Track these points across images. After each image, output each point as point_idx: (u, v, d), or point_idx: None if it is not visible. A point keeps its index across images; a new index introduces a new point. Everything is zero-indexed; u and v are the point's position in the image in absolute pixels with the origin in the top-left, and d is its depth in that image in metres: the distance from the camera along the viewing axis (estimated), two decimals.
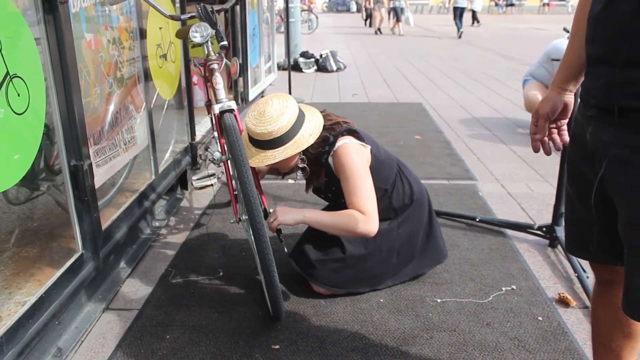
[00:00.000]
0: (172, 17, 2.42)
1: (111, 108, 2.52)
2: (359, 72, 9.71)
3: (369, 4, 22.52)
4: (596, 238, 1.39)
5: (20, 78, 1.74)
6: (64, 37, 1.98)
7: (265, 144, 2.09)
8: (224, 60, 2.53)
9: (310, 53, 10.00)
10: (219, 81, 2.33)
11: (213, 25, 2.35)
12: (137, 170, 3.05)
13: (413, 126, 5.61)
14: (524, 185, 3.95)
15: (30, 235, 2.52)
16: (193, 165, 3.70)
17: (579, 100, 1.38)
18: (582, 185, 1.37)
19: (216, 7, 2.41)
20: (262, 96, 6.91)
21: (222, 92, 2.31)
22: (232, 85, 5.64)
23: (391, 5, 19.31)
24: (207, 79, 2.57)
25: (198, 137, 3.87)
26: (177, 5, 3.34)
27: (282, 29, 10.32)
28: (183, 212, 3.48)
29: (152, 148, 3.03)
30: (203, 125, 4.26)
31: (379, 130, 5.43)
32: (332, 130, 2.21)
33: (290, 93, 7.05)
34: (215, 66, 2.36)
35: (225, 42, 2.37)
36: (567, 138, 1.53)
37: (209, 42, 2.34)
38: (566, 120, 1.54)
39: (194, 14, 2.39)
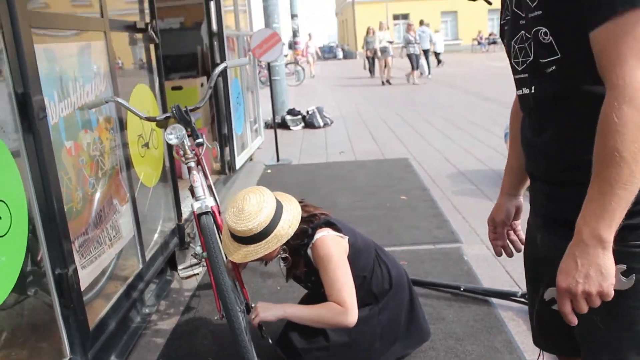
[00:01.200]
0: (147, 119, 2.52)
1: (95, 207, 2.58)
2: (346, 126, 9.85)
3: (370, 52, 20.74)
4: (557, 334, 1.45)
5: (2, 201, 1.80)
6: (44, 150, 2.06)
7: (247, 239, 2.15)
8: (205, 144, 2.61)
9: (297, 110, 10.16)
10: (197, 179, 2.40)
11: (187, 124, 2.44)
12: (124, 258, 3.10)
13: (399, 185, 5.69)
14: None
15: (18, 338, 2.54)
16: (181, 246, 3.76)
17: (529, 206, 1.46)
18: (537, 286, 1.43)
19: (190, 107, 2.50)
20: (251, 160, 7.02)
21: (199, 190, 2.39)
22: (218, 156, 5.75)
23: (408, 52, 17.47)
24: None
25: (186, 214, 3.93)
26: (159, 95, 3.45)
27: (274, 75, 10.49)
28: (173, 295, 3.51)
29: (138, 237, 3.08)
30: (190, 201, 4.33)
31: (366, 191, 5.50)
32: (311, 223, 2.28)
33: (277, 154, 7.17)
34: (192, 164, 2.44)
35: (200, 140, 2.46)
36: (523, 236, 1.61)
37: (185, 142, 2.42)
38: (519, 221, 1.63)
39: (169, 115, 2.48)
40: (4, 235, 1.80)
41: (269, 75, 8.33)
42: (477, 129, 8.73)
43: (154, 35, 3.27)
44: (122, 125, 2.94)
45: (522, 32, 1.32)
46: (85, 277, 2.42)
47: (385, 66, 18.19)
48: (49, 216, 2.10)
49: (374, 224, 4.58)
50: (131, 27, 3.15)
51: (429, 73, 19.13)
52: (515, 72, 1.39)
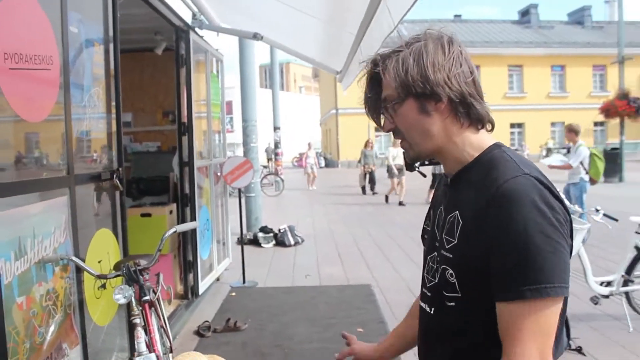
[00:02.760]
0: (99, 277, 2.72)
1: (41, 356, 2.70)
2: (316, 246, 10.07)
3: (367, 168, 19.40)
4: None
5: None
6: None
7: None
8: (160, 286, 2.79)
9: (269, 228, 10.40)
10: (140, 335, 2.57)
11: (136, 282, 2.64)
12: None
13: (358, 315, 5.83)
14: None
15: None
16: None
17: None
18: None
19: (140, 267, 2.71)
20: (218, 280, 7.15)
21: (142, 346, 2.55)
22: (183, 278, 5.89)
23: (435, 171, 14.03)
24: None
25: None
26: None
27: (249, 192, 10.77)
28: None
29: None
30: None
31: (324, 322, 5.62)
32: None
33: (244, 276, 7.31)
34: (137, 321, 2.62)
35: (147, 297, 2.65)
36: None
37: (132, 301, 2.61)
38: None
39: (118, 273, 2.69)
40: None
41: (239, 192, 8.57)
42: None
43: (119, 183, 3.53)
44: (79, 271, 3.11)
45: (435, 254, 1.46)
46: None
47: (398, 185, 16.55)
48: None
49: (327, 358, 4.67)
50: (96, 178, 3.41)
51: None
52: (423, 284, 1.53)
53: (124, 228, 3.73)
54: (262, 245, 10.03)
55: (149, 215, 5.67)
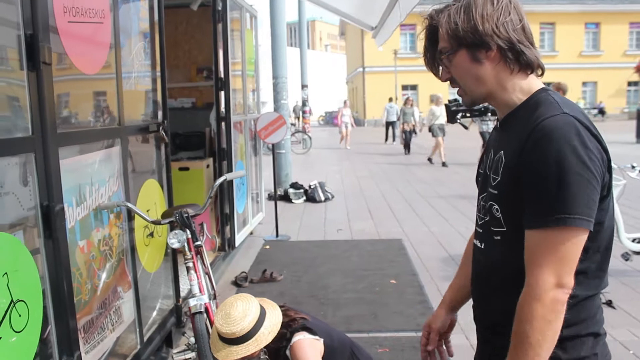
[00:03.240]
0: (154, 222, 2.86)
1: (101, 296, 2.88)
2: (346, 202, 10.19)
3: (408, 126, 18.84)
4: None
5: (23, 301, 2.11)
6: (61, 254, 2.38)
7: (231, 341, 2.45)
8: (205, 236, 2.94)
9: (299, 184, 10.53)
10: (193, 278, 2.72)
11: (189, 228, 2.78)
12: (124, 337, 3.36)
13: (390, 268, 5.96)
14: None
15: None
16: (178, 325, 4.03)
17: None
18: None
19: (191, 213, 2.85)
20: (252, 234, 7.33)
21: (196, 288, 2.70)
22: (220, 230, 6.06)
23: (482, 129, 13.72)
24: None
25: (184, 292, 4.22)
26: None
27: (279, 148, 10.88)
28: None
29: (137, 321, 3.36)
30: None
31: (358, 274, 5.77)
32: (289, 327, 2.58)
33: (277, 230, 7.48)
34: (190, 264, 2.76)
35: (199, 242, 2.79)
36: (452, 350, 1.89)
37: (185, 245, 2.75)
38: (450, 333, 1.90)
39: (172, 219, 2.82)
40: (20, 331, 2.10)
41: (272, 148, 8.68)
42: (473, 210, 9.04)
43: (165, 135, 3.66)
44: (130, 219, 3.27)
45: (486, 194, 1.59)
46: None
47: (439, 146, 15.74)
48: (60, 310, 2.40)
49: (362, 307, 4.84)
50: (144, 129, 3.53)
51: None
52: (476, 223, 1.67)
53: (169, 179, 3.88)
54: (293, 201, 10.18)
55: (187, 169, 5.82)
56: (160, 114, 3.78)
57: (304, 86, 22.75)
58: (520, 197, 1.42)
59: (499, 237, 1.52)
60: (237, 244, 6.16)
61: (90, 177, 2.77)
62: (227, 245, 6.02)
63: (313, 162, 17.77)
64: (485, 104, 2.99)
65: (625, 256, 5.45)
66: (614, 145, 18.74)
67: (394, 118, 22.85)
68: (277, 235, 7.46)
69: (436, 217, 8.71)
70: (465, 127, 2.84)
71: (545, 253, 1.36)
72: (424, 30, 1.60)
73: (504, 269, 1.53)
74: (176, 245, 2.72)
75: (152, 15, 3.68)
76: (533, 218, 1.39)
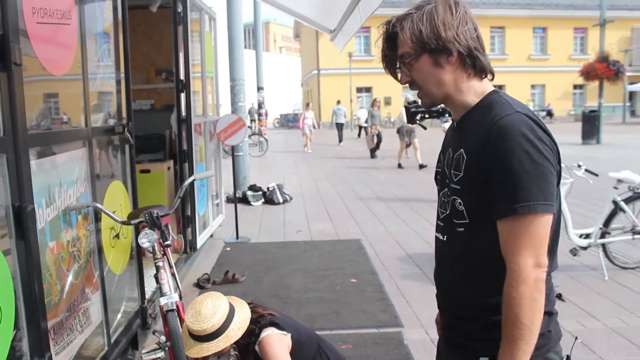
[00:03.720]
0: (123, 223, 2.88)
1: (70, 298, 2.88)
2: (305, 204, 10.27)
3: (375, 130, 18.17)
4: None
5: None
6: (32, 255, 2.39)
7: (201, 338, 2.51)
8: (171, 235, 2.97)
9: (257, 186, 10.56)
10: (164, 277, 2.76)
11: (158, 228, 2.81)
12: (92, 339, 3.36)
13: (350, 268, 6.07)
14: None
15: None
16: (143, 327, 4.03)
17: None
18: None
19: (161, 213, 2.88)
20: (212, 237, 7.33)
21: (166, 287, 2.74)
22: (182, 232, 6.06)
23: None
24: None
25: (148, 294, 4.22)
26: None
27: (237, 151, 10.83)
28: None
29: (105, 323, 3.36)
30: (152, 280, 4.62)
31: (318, 274, 5.86)
32: (258, 323, 2.65)
33: (237, 232, 7.50)
34: (160, 264, 2.80)
35: (168, 242, 2.83)
36: None
37: (155, 245, 2.78)
38: None
39: (142, 220, 2.85)
40: None
41: (232, 151, 8.69)
42: (430, 211, 9.25)
43: (129, 137, 3.66)
44: (97, 221, 3.28)
45: (447, 189, 1.70)
46: None
47: (409, 147, 15.73)
48: (32, 311, 2.40)
49: (325, 306, 4.93)
50: (110, 131, 3.54)
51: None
52: (437, 217, 1.77)
53: (134, 180, 3.89)
54: (252, 203, 10.20)
55: (148, 171, 5.80)
56: (125, 115, 3.78)
57: (259, 88, 22.76)
58: (482, 191, 1.54)
59: (461, 229, 1.63)
60: (198, 246, 6.17)
61: (59, 178, 2.77)
62: (188, 248, 6.02)
63: (270, 165, 17.79)
64: (443, 106, 3.14)
65: (574, 252, 5.71)
66: (561, 146, 19.43)
67: (342, 120, 24.70)
68: (237, 237, 7.49)
69: (393, 217, 8.87)
70: (424, 128, 2.95)
71: (520, 238, 1.48)
72: (381, 37, 1.70)
73: (467, 258, 1.64)
74: (146, 245, 2.75)
75: (115, 15, 3.69)
76: (503, 208, 1.50)
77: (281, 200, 10.29)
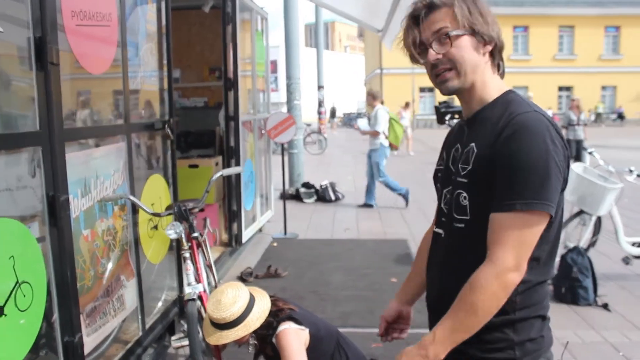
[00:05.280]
0: (153, 214, 3.02)
1: (103, 283, 3.06)
2: (356, 203, 10.31)
3: None
4: None
5: (27, 283, 2.29)
6: (65, 241, 2.55)
7: (221, 326, 2.61)
8: (207, 229, 3.10)
9: (311, 184, 10.69)
10: (190, 267, 2.88)
11: (186, 221, 2.94)
12: (127, 324, 3.54)
13: (392, 267, 6.08)
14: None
15: None
16: (181, 315, 4.19)
17: None
18: None
19: (190, 206, 3.01)
20: (260, 231, 7.49)
21: (191, 277, 2.86)
22: (228, 226, 6.23)
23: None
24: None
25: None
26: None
27: (292, 148, 11.00)
28: None
29: (140, 308, 3.53)
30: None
31: (359, 272, 5.90)
32: (277, 316, 2.73)
33: (285, 228, 7.63)
34: (187, 255, 2.93)
35: (196, 234, 2.96)
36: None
37: (182, 236, 2.91)
38: (407, 329, 2.03)
39: (171, 212, 2.99)
40: (25, 310, 2.27)
41: (282, 148, 8.81)
42: None
43: (170, 133, 3.83)
44: (135, 212, 3.45)
45: (451, 185, 1.71)
46: (90, 343, 2.87)
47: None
48: (63, 294, 2.57)
49: (360, 304, 4.97)
50: (150, 127, 3.71)
51: None
52: (440, 213, 1.78)
53: (174, 174, 4.05)
54: (304, 200, 10.33)
55: (196, 166, 6.00)
56: (167, 112, 3.95)
57: (320, 87, 22.91)
58: (489, 185, 1.54)
59: (461, 225, 1.64)
60: (244, 240, 6.32)
61: (95, 171, 2.94)
62: (234, 242, 6.19)
63: (327, 163, 17.90)
64: None
65: (626, 260, 5.52)
66: (633, 151, 18.60)
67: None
68: (285, 233, 7.62)
69: None
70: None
71: (510, 233, 1.49)
72: (423, 8, 1.61)
73: (464, 256, 1.64)
74: (173, 236, 2.89)
75: (159, 17, 3.86)
76: (503, 201, 1.51)
77: (333, 198, 10.37)
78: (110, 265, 3.11)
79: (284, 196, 8.07)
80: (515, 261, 1.49)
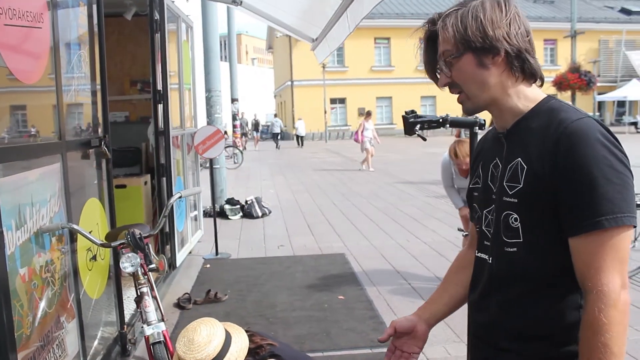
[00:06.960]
0: (103, 245, 2.63)
1: (43, 328, 2.61)
2: (284, 217, 10.03)
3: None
4: None
5: None
6: (0, 286, 2.12)
7: None
8: (156, 259, 2.72)
9: (235, 200, 10.29)
10: (149, 304, 2.50)
11: (142, 251, 2.56)
12: None
13: (336, 284, 5.85)
14: (441, 349, 4.19)
15: None
16: (123, 354, 3.75)
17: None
18: None
19: (144, 234, 2.63)
20: (190, 253, 7.05)
21: (151, 315, 2.49)
22: (160, 250, 5.79)
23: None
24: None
25: (127, 317, 3.95)
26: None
27: (214, 163, 10.55)
28: None
29: (82, 354, 3.09)
30: (130, 302, 4.32)
31: (303, 291, 5.63)
32: (257, 355, 2.40)
33: (216, 248, 7.23)
34: (145, 289, 2.55)
35: (153, 265, 2.58)
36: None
37: (138, 270, 2.54)
38: (418, 355, 1.74)
39: (123, 242, 2.60)
40: None
41: (210, 163, 8.41)
42: (413, 223, 9.09)
43: (107, 151, 3.41)
44: (72, 242, 3.01)
45: (494, 205, 1.52)
46: None
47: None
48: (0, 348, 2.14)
49: (313, 326, 4.70)
50: (85, 144, 3.28)
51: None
52: (482, 236, 1.58)
53: (111, 197, 3.63)
54: (230, 217, 9.92)
55: (124, 186, 5.52)
56: (102, 127, 3.53)
57: (234, 100, 22.45)
58: (547, 204, 1.38)
59: (514, 249, 1.47)
60: (178, 263, 5.88)
61: (30, 197, 2.51)
62: (168, 266, 5.74)
63: (245, 177, 17.50)
64: (444, 115, 2.87)
65: None
66: None
67: (277, 130, 34.11)
68: (217, 254, 7.21)
69: (376, 230, 8.69)
70: (424, 139, 2.82)
71: (606, 255, 1.32)
72: (425, 36, 1.55)
73: (518, 283, 1.47)
74: (130, 270, 2.50)
75: (91, 22, 3.44)
76: (583, 221, 1.34)
77: (260, 214, 10.03)
78: (49, 307, 2.67)
79: (214, 214, 7.65)
80: (621, 280, 1.33)
